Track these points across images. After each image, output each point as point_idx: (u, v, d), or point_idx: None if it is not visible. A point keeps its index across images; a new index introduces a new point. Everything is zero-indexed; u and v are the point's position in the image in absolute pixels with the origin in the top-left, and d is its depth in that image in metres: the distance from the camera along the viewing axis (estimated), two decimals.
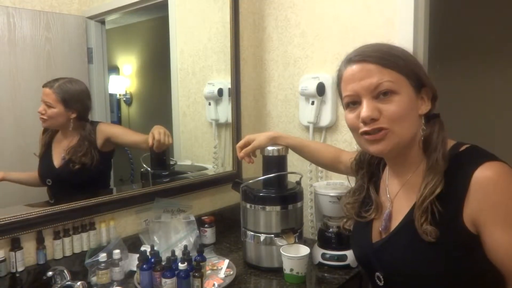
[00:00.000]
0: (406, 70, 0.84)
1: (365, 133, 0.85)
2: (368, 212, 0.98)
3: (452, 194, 0.80)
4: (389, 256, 0.89)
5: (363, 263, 1.01)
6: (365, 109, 0.83)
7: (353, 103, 0.88)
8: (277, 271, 1.38)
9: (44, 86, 1.35)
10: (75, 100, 1.41)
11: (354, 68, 0.86)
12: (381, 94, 0.83)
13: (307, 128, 1.80)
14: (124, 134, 1.63)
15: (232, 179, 1.69)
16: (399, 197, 0.94)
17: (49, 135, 1.43)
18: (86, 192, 1.41)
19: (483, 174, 0.77)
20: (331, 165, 1.38)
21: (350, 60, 0.88)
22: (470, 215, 0.78)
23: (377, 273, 0.92)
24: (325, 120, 1.74)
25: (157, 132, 1.54)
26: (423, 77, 0.87)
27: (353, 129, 0.90)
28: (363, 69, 0.85)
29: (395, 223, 0.91)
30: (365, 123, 0.84)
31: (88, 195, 1.39)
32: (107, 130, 1.52)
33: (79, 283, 1.18)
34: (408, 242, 0.86)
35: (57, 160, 1.42)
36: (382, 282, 0.91)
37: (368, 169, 1.04)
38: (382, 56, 0.84)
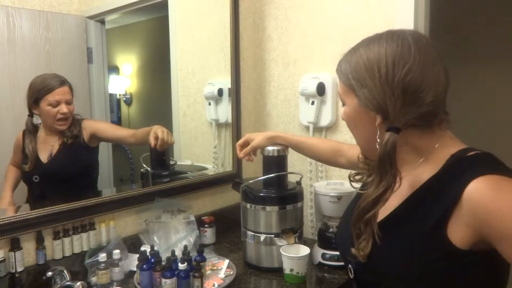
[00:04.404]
0: (350, 83, 0.83)
1: None
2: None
3: (437, 203, 0.72)
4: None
5: (341, 254, 1.00)
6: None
7: None
8: (277, 271, 1.38)
9: (60, 85, 1.37)
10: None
11: None
12: None
13: (307, 128, 1.80)
14: (109, 129, 1.62)
15: (232, 179, 1.69)
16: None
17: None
18: (72, 190, 1.41)
19: (475, 188, 0.68)
20: (331, 159, 1.36)
21: None
22: (465, 231, 0.69)
23: (350, 265, 0.90)
24: (325, 120, 1.74)
25: (161, 131, 1.54)
26: (361, 95, 0.80)
27: None
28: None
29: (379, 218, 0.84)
30: None
31: (73, 193, 1.38)
32: (92, 126, 1.51)
33: (79, 283, 1.18)
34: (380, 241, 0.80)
35: (44, 156, 1.41)
36: (353, 275, 0.91)
37: None
38: (338, 68, 0.88)
